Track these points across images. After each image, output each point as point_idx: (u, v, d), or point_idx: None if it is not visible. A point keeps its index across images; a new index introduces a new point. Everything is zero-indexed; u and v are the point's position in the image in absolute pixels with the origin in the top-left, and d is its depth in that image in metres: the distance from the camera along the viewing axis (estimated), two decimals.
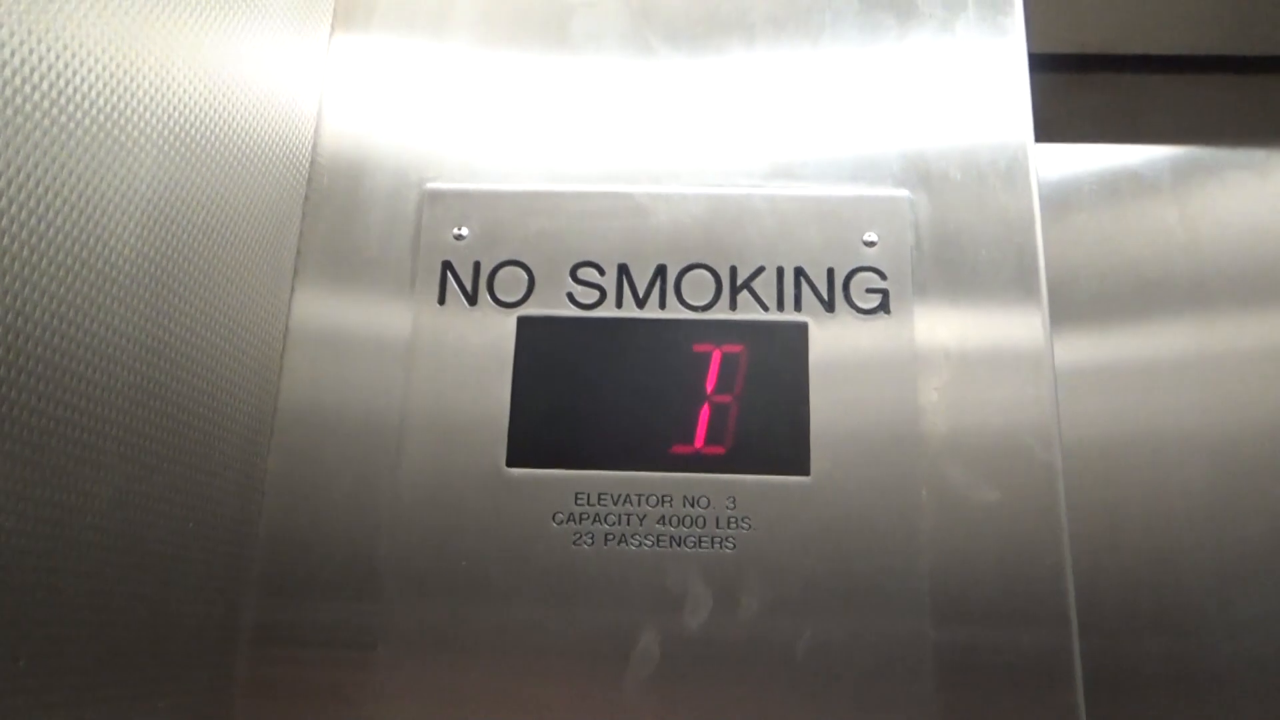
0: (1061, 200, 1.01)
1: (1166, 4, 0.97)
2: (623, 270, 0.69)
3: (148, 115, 0.52)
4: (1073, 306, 0.98)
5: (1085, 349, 0.97)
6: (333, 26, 0.76)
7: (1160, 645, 0.89)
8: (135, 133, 0.51)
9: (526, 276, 0.69)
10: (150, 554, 0.53)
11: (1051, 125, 0.86)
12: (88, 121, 0.47)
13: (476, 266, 0.69)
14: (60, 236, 0.45)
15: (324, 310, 0.69)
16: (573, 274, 0.69)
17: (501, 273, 0.69)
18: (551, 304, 0.69)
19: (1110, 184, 1.02)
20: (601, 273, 0.69)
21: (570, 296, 0.69)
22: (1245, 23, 0.99)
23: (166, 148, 0.54)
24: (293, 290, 0.69)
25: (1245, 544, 0.91)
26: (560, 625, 0.63)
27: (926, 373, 0.67)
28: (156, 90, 0.53)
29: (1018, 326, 0.68)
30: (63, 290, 0.45)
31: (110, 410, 0.49)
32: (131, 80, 0.50)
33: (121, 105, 0.50)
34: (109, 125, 0.49)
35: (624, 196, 0.71)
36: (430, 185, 0.71)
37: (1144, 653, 0.89)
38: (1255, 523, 0.91)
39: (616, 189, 0.71)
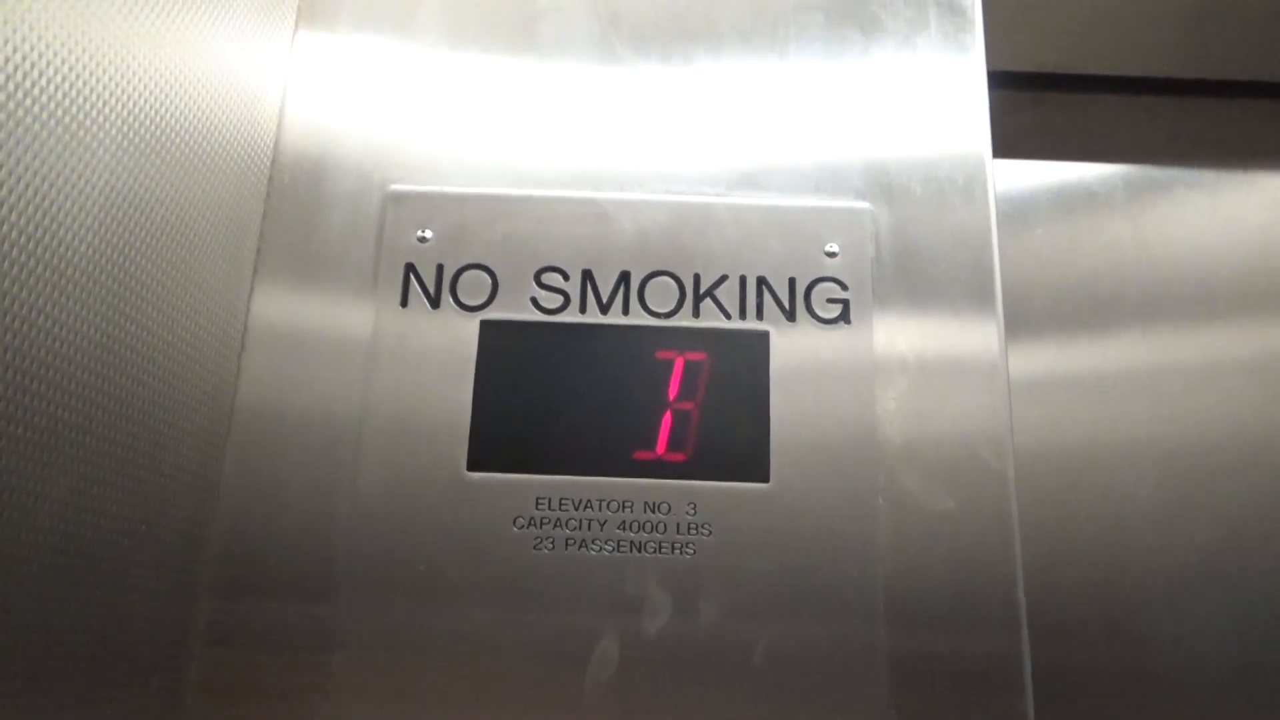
0: (1018, 215, 1.03)
1: (1123, 26, 0.99)
2: (587, 276, 0.69)
3: (105, 108, 0.51)
4: (1028, 319, 0.99)
5: (1039, 361, 0.98)
6: (296, 25, 0.75)
7: (1109, 650, 0.91)
8: (92, 125, 0.50)
9: (490, 280, 0.69)
10: (102, 554, 0.52)
11: (1009, 141, 0.87)
12: (44, 115, 0.46)
13: (440, 269, 0.69)
14: (13, 230, 0.44)
15: (284, 310, 0.68)
16: (537, 279, 0.69)
17: (465, 276, 0.69)
18: (515, 308, 0.69)
19: (1065, 200, 1.04)
20: (566, 278, 0.69)
21: (534, 301, 0.69)
22: (1198, 47, 1.01)
23: (124, 141, 0.53)
24: (252, 289, 0.69)
25: (1193, 552, 0.93)
26: (519, 629, 0.63)
27: (885, 382, 0.68)
28: (115, 83, 0.52)
29: (974, 338, 0.69)
30: (14, 286, 0.45)
31: (61, 408, 0.48)
32: (89, 72, 0.50)
33: (79, 97, 0.49)
34: (65, 117, 0.48)
35: (589, 202, 0.71)
36: (394, 187, 0.71)
37: (1093, 658, 0.90)
38: (1202, 531, 0.93)
39: (582, 194, 0.71)
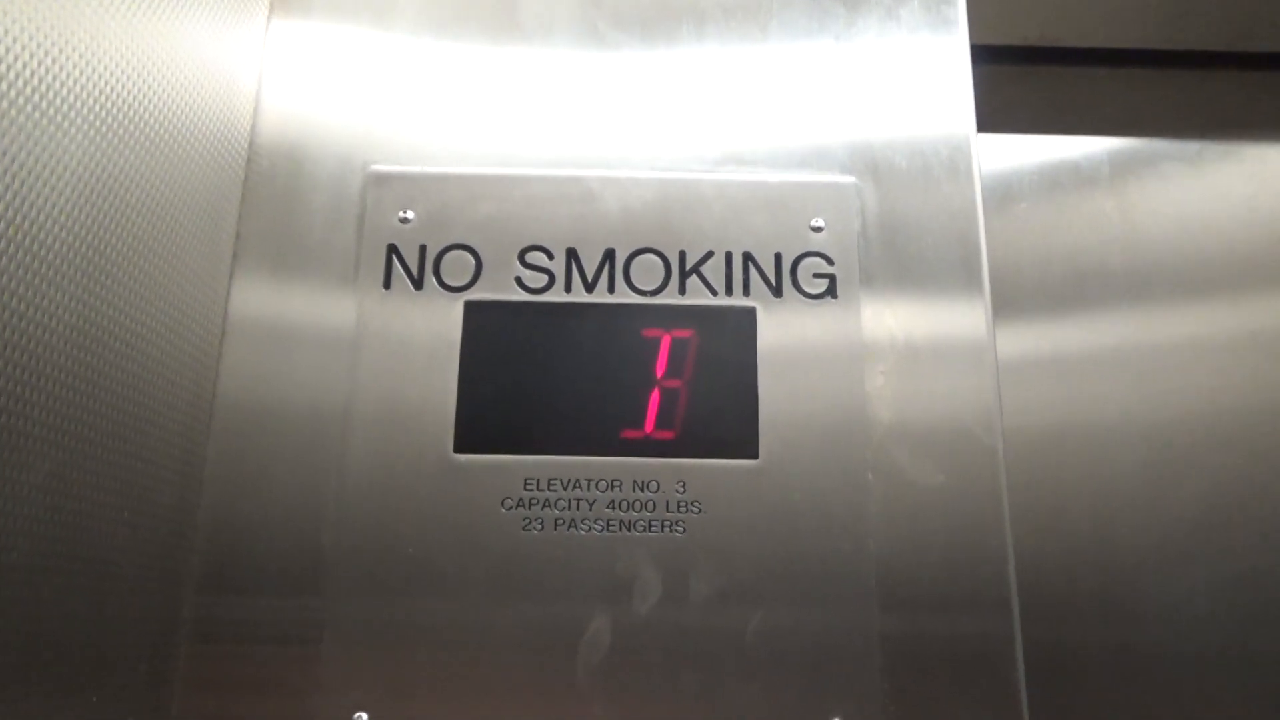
0: (1004, 190, 1.03)
1: None
2: (571, 254, 0.69)
3: (78, 93, 0.50)
4: (1015, 295, 0.99)
5: (1025, 338, 0.98)
6: (270, 10, 0.74)
7: (1099, 626, 0.91)
8: (67, 109, 0.49)
9: (474, 260, 0.68)
10: (84, 545, 0.52)
11: (994, 116, 0.88)
12: (14, 95, 0.45)
13: (423, 250, 0.68)
14: None
15: (264, 294, 0.68)
16: (521, 258, 0.69)
17: (448, 257, 0.69)
18: (499, 288, 0.68)
19: (1050, 175, 1.04)
20: (550, 257, 0.69)
21: (519, 281, 0.68)
22: (1181, 18, 1.01)
23: (99, 125, 0.52)
24: (232, 275, 0.68)
25: (1181, 526, 0.93)
26: (509, 611, 0.62)
27: (873, 358, 0.68)
28: (87, 69, 0.51)
29: (961, 313, 0.69)
30: None
31: (40, 395, 0.47)
32: (62, 56, 0.49)
33: (53, 82, 0.48)
34: (38, 99, 0.47)
35: (573, 181, 0.70)
36: (375, 167, 0.70)
37: (1083, 634, 0.91)
38: (1190, 507, 0.94)
39: (565, 173, 0.71)
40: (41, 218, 0.47)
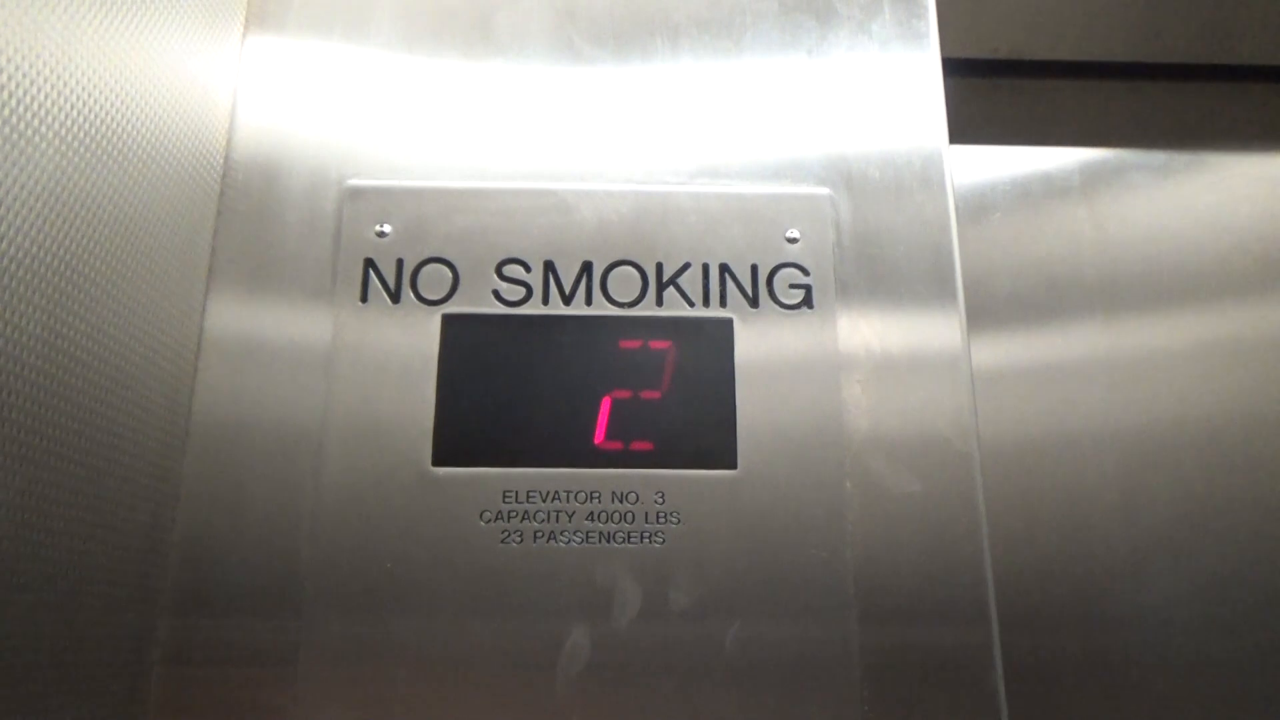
0: (977, 201, 1.04)
1: (1074, 11, 1.00)
2: (549, 267, 0.69)
3: (49, 108, 0.50)
4: (989, 304, 1.00)
5: (999, 348, 0.99)
6: (245, 27, 0.74)
7: (1076, 633, 0.92)
8: (36, 124, 0.49)
9: (451, 274, 0.68)
10: (54, 564, 0.51)
11: (966, 128, 0.89)
12: None
13: (399, 264, 0.68)
14: None
15: (240, 310, 0.67)
16: (498, 271, 0.69)
17: (425, 270, 0.68)
18: (477, 301, 0.68)
19: (1023, 185, 1.05)
20: (527, 269, 0.69)
21: (496, 294, 0.68)
22: (1150, 31, 1.03)
23: (71, 141, 0.52)
24: (207, 290, 0.67)
25: (1156, 533, 0.94)
26: (489, 625, 0.62)
27: (849, 367, 0.68)
28: (58, 84, 0.51)
29: (936, 322, 0.70)
30: None
31: (11, 413, 0.47)
32: (32, 71, 0.49)
33: (21, 96, 0.48)
34: (7, 116, 0.47)
35: (549, 193, 0.71)
36: (351, 182, 0.70)
37: (1062, 641, 0.91)
38: (1164, 513, 0.95)
39: (542, 186, 0.71)
40: (12, 233, 0.47)
